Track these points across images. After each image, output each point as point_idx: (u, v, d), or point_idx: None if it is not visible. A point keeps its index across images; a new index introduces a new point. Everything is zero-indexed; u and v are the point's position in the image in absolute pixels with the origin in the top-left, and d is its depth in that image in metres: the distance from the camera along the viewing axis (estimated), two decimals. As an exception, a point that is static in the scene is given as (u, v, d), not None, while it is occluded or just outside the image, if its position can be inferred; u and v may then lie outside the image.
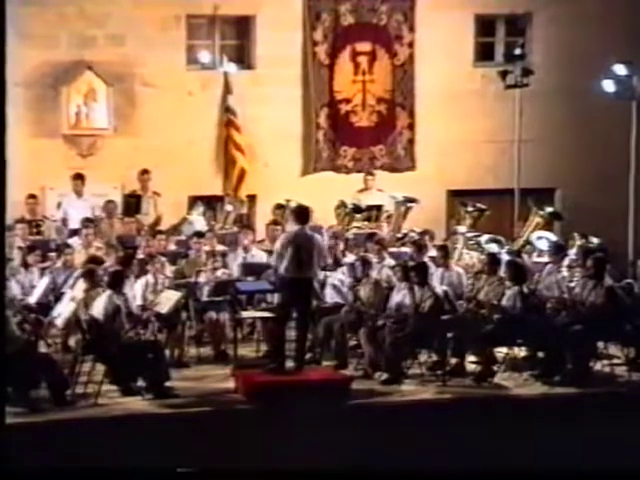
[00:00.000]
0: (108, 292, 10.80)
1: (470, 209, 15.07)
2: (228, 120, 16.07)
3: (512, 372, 11.68)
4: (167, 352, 11.56)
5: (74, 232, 14.08)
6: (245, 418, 10.21)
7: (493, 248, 13.82)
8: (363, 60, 16.90)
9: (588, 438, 9.52)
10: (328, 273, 12.49)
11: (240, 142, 16.03)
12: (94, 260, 12.21)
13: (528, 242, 14.46)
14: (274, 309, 12.15)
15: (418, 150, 17.07)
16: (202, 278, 12.73)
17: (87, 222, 14.08)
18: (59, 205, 14.93)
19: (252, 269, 13.22)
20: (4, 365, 6.53)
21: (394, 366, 11.36)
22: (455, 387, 11.25)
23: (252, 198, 16.30)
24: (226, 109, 16.10)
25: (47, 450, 8.78)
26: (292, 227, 13.05)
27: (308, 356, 11.70)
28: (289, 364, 11.24)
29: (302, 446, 8.74)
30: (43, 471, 7.55)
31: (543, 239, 14.13)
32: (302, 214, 11.43)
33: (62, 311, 11.43)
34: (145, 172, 15.39)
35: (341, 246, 13.85)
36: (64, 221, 14.68)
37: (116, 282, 10.94)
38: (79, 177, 15.21)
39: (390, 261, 13.13)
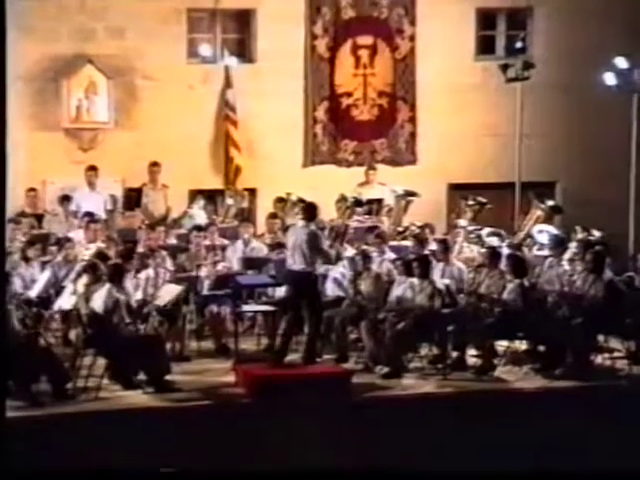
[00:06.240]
0: (108, 286, 10.78)
1: (471, 202, 15.04)
2: (226, 116, 16.07)
3: (513, 365, 11.67)
4: (168, 346, 11.55)
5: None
6: (246, 412, 10.21)
7: (494, 241, 13.80)
8: (364, 54, 16.88)
9: (588, 431, 9.51)
10: (329, 267, 12.47)
11: (237, 139, 16.04)
12: (100, 255, 12.18)
13: (529, 235, 14.44)
14: (276, 302, 12.18)
15: (419, 144, 17.05)
16: (203, 272, 12.72)
17: (88, 216, 14.08)
18: (65, 199, 14.88)
19: (252, 263, 13.21)
20: (5, 359, 6.52)
21: (395, 360, 11.36)
22: (456, 381, 11.24)
23: (253, 192, 16.29)
24: (225, 104, 16.09)
25: (48, 444, 8.77)
26: (293, 221, 13.10)
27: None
28: (291, 357, 11.29)
29: (302, 440, 8.73)
30: (43, 470, 7.57)
31: (544, 232, 14.10)
32: (308, 210, 11.51)
33: (63, 305, 11.42)
34: (155, 164, 15.41)
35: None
36: (75, 214, 14.66)
37: (116, 275, 10.92)
38: (93, 169, 15.21)
39: (391, 255, 13.12)
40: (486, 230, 14.37)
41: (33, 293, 11.94)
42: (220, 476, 7.55)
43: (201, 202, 15.38)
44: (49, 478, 7.21)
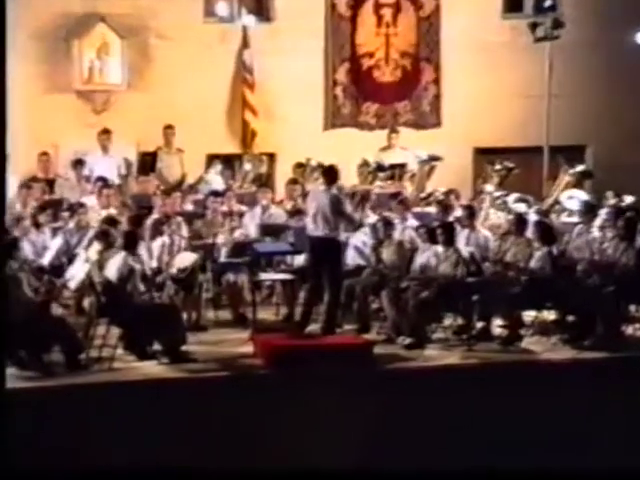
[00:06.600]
0: (122, 253, 10.79)
1: (497, 167, 14.98)
2: (243, 78, 16.02)
3: (540, 336, 11.63)
4: (184, 315, 11.56)
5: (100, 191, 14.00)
6: (264, 383, 10.21)
7: (521, 208, 13.74)
8: (387, 12, 16.78)
9: (618, 403, 9.49)
10: (350, 234, 12.45)
11: (253, 102, 15.99)
12: (110, 220, 12.20)
13: (557, 202, 14.38)
14: (295, 271, 12.17)
15: (444, 106, 16.96)
16: (220, 239, 12.72)
17: (102, 181, 14.08)
18: (78, 164, 14.87)
19: (271, 230, 13.20)
20: (6, 327, 6.53)
21: (418, 330, 11.33)
22: (481, 352, 11.21)
23: (271, 156, 16.25)
24: (242, 66, 16.04)
25: (59, 415, 8.80)
26: (313, 186, 13.07)
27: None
28: (310, 327, 11.31)
29: (322, 412, 8.74)
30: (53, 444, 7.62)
31: (574, 198, 14.04)
32: (328, 173, 11.51)
33: (75, 273, 11.42)
34: (169, 127, 15.39)
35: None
36: (88, 179, 14.67)
37: (130, 243, 10.92)
38: (106, 132, 15.20)
39: (414, 222, 13.09)
40: (513, 196, 14.31)
41: (45, 260, 11.96)
42: (237, 449, 7.59)
43: (218, 167, 15.36)
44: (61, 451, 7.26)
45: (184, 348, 10.75)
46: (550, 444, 8.20)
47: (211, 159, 15.85)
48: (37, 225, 12.64)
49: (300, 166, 15.10)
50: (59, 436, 8.12)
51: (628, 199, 13.88)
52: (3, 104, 5.94)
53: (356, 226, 12.12)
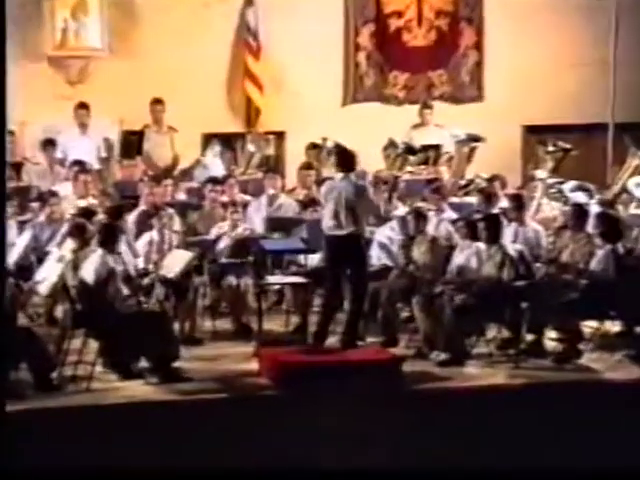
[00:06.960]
0: (100, 251, 10.85)
1: (551, 149, 15.01)
2: (245, 43, 16.08)
3: (602, 352, 11.67)
4: (176, 325, 11.63)
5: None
6: (271, 406, 10.28)
7: (580, 197, 13.81)
8: (419, -37, 16.87)
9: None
10: (374, 229, 12.51)
11: (256, 73, 16.06)
12: (86, 212, 12.28)
13: (625, 190, 14.42)
14: (308, 273, 12.23)
15: (486, 76, 16.99)
16: (220, 235, 12.79)
17: (78, 166, 14.15)
18: (49, 144, 14.96)
19: (280, 224, 13.26)
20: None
21: (455, 343, 11.38)
22: (531, 370, 11.26)
23: (280, 136, 16.31)
24: (246, 29, 16.10)
25: (28, 444, 8.88)
26: (330, 172, 13.13)
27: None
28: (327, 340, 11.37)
29: (339, 440, 8.80)
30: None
31: (644, 186, 14.10)
32: (346, 159, 11.56)
33: (47, 275, 11.50)
34: (158, 102, 15.47)
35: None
36: (62, 162, 14.75)
37: (108, 239, 10.96)
38: (83, 107, 15.27)
39: (451, 214, 13.14)
40: (570, 183, 14.37)
41: (10, 260, 12.03)
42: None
43: (216, 148, 15.44)
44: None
45: (176, 365, 10.82)
46: (613, 476, 8.24)
47: (208, 139, 15.93)
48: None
49: (314, 147, 15.17)
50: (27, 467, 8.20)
51: None
52: (3, 106, 6.08)
53: (382, 219, 12.18)
